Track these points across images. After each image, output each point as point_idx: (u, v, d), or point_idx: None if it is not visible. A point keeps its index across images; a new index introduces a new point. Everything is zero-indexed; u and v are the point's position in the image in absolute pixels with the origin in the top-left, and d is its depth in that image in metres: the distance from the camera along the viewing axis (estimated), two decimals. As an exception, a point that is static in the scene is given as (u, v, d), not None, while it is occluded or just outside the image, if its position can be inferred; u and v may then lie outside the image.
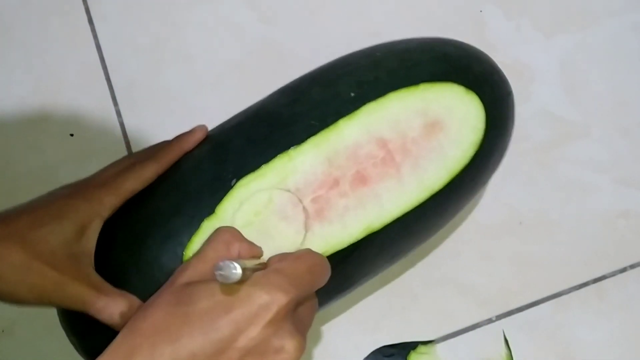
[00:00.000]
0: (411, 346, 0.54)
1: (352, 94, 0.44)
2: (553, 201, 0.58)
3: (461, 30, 0.63)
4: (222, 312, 0.32)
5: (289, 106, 0.45)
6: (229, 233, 0.38)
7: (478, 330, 0.55)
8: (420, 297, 0.55)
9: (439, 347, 0.54)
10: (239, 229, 0.39)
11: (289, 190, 0.43)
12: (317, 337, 0.55)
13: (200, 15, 0.61)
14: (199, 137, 0.45)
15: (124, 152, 0.57)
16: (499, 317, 0.55)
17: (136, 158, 0.45)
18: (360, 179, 0.44)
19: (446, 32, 0.63)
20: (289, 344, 0.33)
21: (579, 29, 0.64)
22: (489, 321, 0.55)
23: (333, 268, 0.39)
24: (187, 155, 0.45)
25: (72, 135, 0.57)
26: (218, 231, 0.38)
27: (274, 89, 0.48)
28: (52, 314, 0.52)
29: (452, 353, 0.54)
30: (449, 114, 0.45)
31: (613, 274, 0.57)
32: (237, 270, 0.31)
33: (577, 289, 0.56)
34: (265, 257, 0.40)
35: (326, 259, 0.38)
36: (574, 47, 0.63)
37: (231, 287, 0.33)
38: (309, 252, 0.37)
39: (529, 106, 0.61)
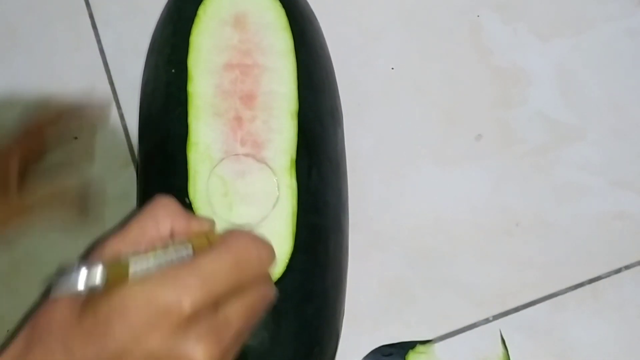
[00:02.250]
0: (410, 346, 0.54)
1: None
2: (549, 203, 0.59)
3: (458, 34, 0.64)
4: (118, 317, 0.28)
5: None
6: (161, 206, 0.33)
7: (475, 330, 0.55)
8: (419, 297, 0.55)
9: (437, 346, 0.54)
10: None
11: (222, 159, 0.45)
12: (317, 337, 0.55)
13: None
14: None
15: (126, 155, 0.58)
16: (496, 317, 0.56)
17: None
18: (247, 95, 0.47)
19: (444, 36, 0.64)
20: (195, 353, 0.28)
21: (574, 33, 0.65)
22: (486, 321, 0.55)
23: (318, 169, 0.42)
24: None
25: (76, 138, 0.57)
26: (152, 204, 0.33)
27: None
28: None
29: (450, 353, 0.54)
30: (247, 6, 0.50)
31: (608, 274, 0.57)
32: (76, 283, 0.26)
33: (573, 290, 0.57)
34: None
35: (267, 247, 0.33)
36: (570, 51, 0.64)
37: (133, 285, 0.28)
38: (237, 237, 0.32)
39: (525, 109, 0.62)
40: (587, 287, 0.57)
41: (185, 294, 0.28)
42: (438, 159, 0.60)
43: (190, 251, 0.31)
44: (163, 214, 0.33)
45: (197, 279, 0.29)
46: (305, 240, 0.45)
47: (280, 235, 0.45)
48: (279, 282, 0.43)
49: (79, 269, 0.28)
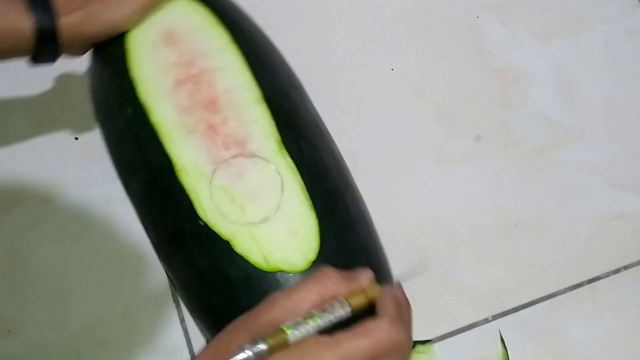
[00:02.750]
0: (409, 345, 0.54)
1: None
2: (548, 203, 0.59)
3: (458, 36, 0.64)
4: None
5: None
6: (325, 276, 0.38)
7: (475, 330, 0.55)
8: (419, 297, 0.55)
9: (436, 346, 0.55)
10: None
11: (214, 170, 0.45)
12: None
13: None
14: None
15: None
16: (495, 317, 0.56)
17: None
18: (209, 102, 0.47)
19: (443, 37, 0.64)
20: None
21: (573, 34, 0.65)
22: (486, 321, 0.56)
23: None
24: None
25: (76, 138, 0.58)
26: (319, 273, 0.38)
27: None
28: (56, 314, 0.53)
29: (449, 352, 0.55)
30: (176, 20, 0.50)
31: (607, 274, 0.58)
32: (246, 355, 0.33)
33: (572, 290, 0.57)
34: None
35: (403, 337, 0.37)
36: (569, 52, 0.64)
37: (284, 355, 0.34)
38: (377, 329, 0.36)
39: (524, 110, 0.62)
40: (586, 287, 0.57)
41: None
42: (437, 159, 0.60)
43: (348, 309, 0.36)
44: (326, 282, 0.37)
45: (335, 354, 0.34)
46: (324, 207, 0.45)
47: (300, 213, 0.45)
48: (321, 255, 0.44)
49: (245, 347, 0.33)
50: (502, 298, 0.56)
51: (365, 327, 0.36)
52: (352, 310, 0.37)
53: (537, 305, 0.56)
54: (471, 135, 0.61)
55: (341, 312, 0.36)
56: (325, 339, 0.35)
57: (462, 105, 0.62)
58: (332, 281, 0.37)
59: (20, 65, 0.59)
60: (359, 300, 0.37)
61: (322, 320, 0.35)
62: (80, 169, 0.57)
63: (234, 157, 0.46)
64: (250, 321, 0.36)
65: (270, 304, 0.36)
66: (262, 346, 0.33)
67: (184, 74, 0.48)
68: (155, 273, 0.55)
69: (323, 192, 0.46)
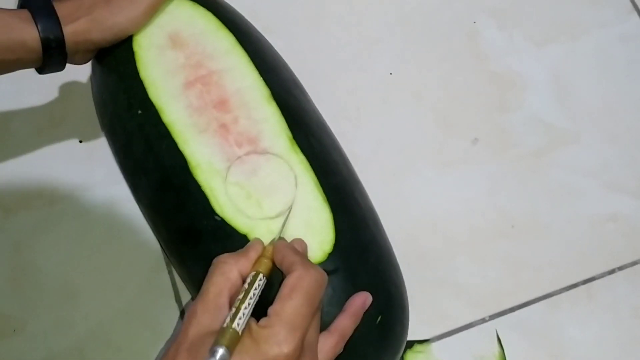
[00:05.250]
0: (408, 345, 0.54)
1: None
2: (544, 205, 0.60)
3: (455, 40, 0.65)
4: None
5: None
6: (223, 263, 0.39)
7: (472, 329, 0.56)
8: (417, 297, 0.55)
9: (434, 345, 0.55)
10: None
11: (229, 167, 0.46)
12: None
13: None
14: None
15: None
16: (492, 317, 0.56)
17: None
18: (219, 102, 0.48)
19: (441, 42, 0.65)
20: None
21: (569, 39, 0.66)
22: (483, 321, 0.56)
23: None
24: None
25: (80, 142, 0.58)
26: (213, 266, 0.39)
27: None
28: (61, 314, 0.54)
29: (447, 352, 0.55)
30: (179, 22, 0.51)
31: (602, 275, 0.58)
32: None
33: (568, 290, 0.57)
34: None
35: (317, 271, 0.39)
36: (565, 56, 0.65)
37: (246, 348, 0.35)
38: (299, 277, 0.38)
39: (521, 113, 0.63)
40: (581, 287, 0.58)
41: (284, 345, 0.35)
42: (435, 162, 0.61)
43: (263, 279, 0.39)
44: (227, 268, 0.39)
45: (286, 329, 0.36)
46: (336, 201, 0.46)
47: (315, 208, 0.46)
48: (337, 247, 0.45)
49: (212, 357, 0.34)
50: (499, 298, 0.57)
51: (289, 285, 0.37)
52: (265, 276, 0.39)
53: (533, 306, 0.57)
54: (469, 138, 0.62)
55: (259, 283, 0.38)
56: (264, 319, 0.36)
57: (459, 109, 0.63)
58: (227, 262, 0.39)
59: (24, 70, 0.60)
60: (266, 265, 0.39)
61: (249, 299, 0.37)
62: (84, 171, 0.57)
63: (247, 154, 0.46)
64: (184, 341, 0.36)
65: (192, 316, 0.37)
66: (221, 350, 0.34)
67: (193, 75, 0.49)
68: (160, 273, 0.55)
69: (334, 186, 0.47)
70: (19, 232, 0.56)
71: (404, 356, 0.54)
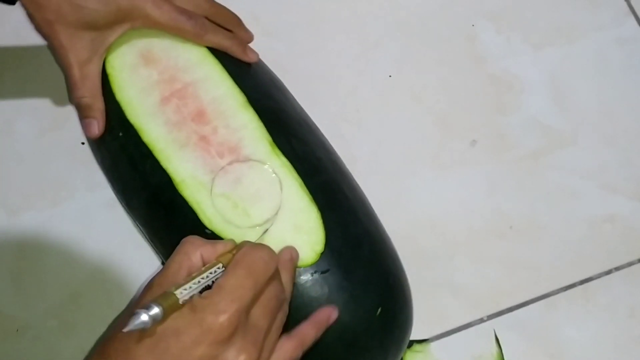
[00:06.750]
0: (407, 345, 0.55)
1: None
2: (542, 206, 0.60)
3: (454, 43, 0.65)
4: (172, 336, 0.35)
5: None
6: (189, 243, 0.40)
7: (470, 329, 0.56)
8: (416, 297, 0.56)
9: (433, 345, 0.55)
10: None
11: (213, 179, 0.46)
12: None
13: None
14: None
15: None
16: (490, 317, 0.57)
17: None
18: (197, 114, 0.48)
19: (440, 45, 0.65)
20: (236, 358, 0.36)
21: (566, 42, 0.66)
22: (481, 321, 0.56)
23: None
24: None
25: (83, 143, 0.59)
26: (179, 244, 0.40)
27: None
28: (63, 314, 0.54)
29: (445, 351, 0.55)
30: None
31: (599, 275, 0.59)
32: (143, 318, 0.33)
33: (565, 290, 0.58)
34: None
35: (264, 249, 0.39)
36: (562, 59, 0.65)
37: (182, 313, 0.36)
38: (244, 253, 0.39)
39: (518, 116, 0.63)
40: (579, 287, 0.58)
41: (221, 314, 0.35)
42: (434, 163, 0.61)
43: (222, 268, 0.39)
44: (191, 248, 0.39)
45: (226, 299, 0.36)
46: (323, 199, 0.47)
47: (302, 209, 0.46)
48: (328, 245, 0.45)
49: (141, 312, 0.34)
50: (497, 298, 0.57)
51: (234, 261, 0.38)
52: (224, 266, 0.39)
53: (531, 306, 0.57)
54: (467, 139, 0.62)
55: (215, 269, 0.38)
56: (207, 291, 0.37)
57: (458, 111, 0.63)
58: (193, 243, 0.40)
59: (28, 72, 0.61)
60: (229, 259, 0.40)
61: (200, 278, 0.37)
62: (87, 172, 0.58)
63: (230, 163, 0.47)
64: (133, 308, 0.37)
65: (147, 288, 0.38)
66: (156, 308, 0.34)
67: (168, 90, 0.49)
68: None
69: (320, 184, 0.47)
70: (22, 232, 0.56)
71: (403, 356, 0.54)
